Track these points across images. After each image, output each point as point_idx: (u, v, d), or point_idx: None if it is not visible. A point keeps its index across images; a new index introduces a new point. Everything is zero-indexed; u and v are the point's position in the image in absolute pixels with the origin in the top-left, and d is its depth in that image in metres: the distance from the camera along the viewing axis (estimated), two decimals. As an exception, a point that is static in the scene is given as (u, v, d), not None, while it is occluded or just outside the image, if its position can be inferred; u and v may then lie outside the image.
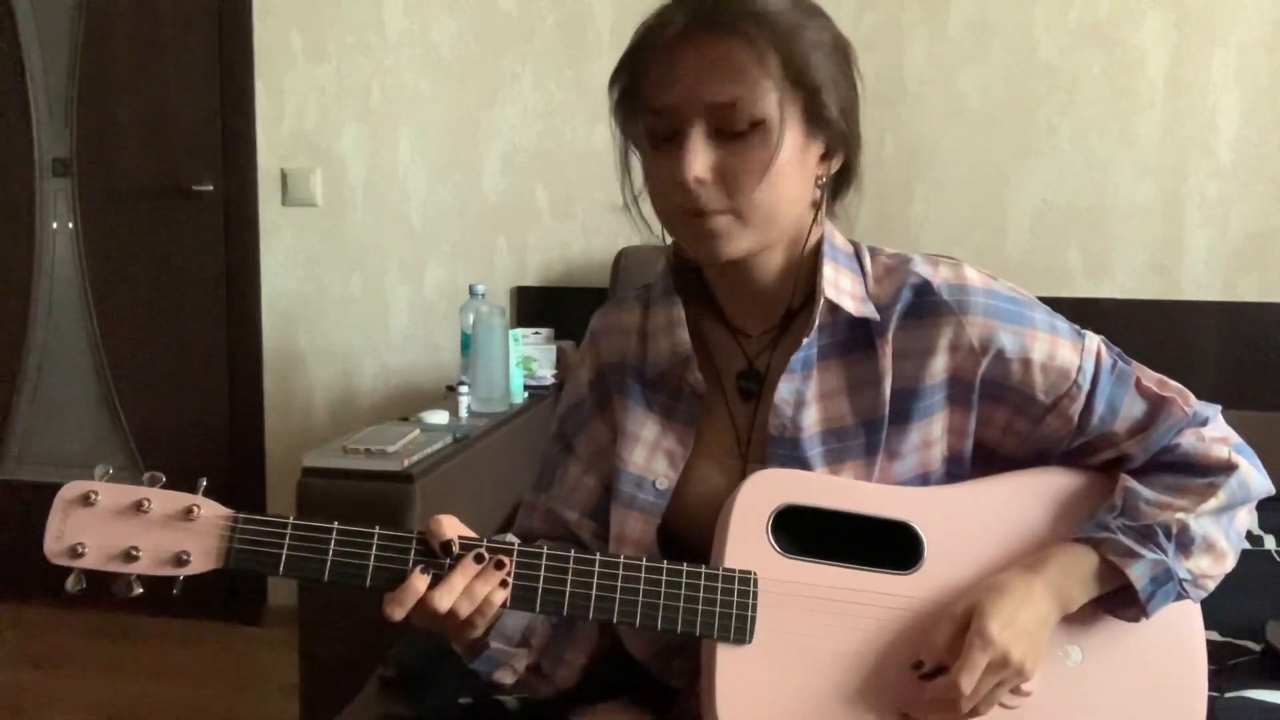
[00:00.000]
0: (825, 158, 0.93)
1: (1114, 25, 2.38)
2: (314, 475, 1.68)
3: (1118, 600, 0.92)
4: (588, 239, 2.64)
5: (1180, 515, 0.90)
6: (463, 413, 2.08)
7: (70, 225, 2.95)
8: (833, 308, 0.95)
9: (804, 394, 0.95)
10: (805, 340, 0.95)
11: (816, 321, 0.95)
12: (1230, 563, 0.94)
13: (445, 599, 0.84)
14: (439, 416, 1.99)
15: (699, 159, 0.86)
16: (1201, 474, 0.94)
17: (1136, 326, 2.36)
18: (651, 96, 0.88)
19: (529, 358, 2.37)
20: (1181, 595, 0.91)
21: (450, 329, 2.62)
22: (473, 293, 2.33)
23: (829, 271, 0.96)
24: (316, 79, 2.74)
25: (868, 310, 0.95)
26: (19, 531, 2.88)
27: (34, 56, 2.90)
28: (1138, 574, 0.88)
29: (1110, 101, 2.39)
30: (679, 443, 0.99)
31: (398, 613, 0.84)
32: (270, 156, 2.78)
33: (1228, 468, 0.94)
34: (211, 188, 2.81)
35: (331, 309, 2.81)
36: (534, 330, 2.46)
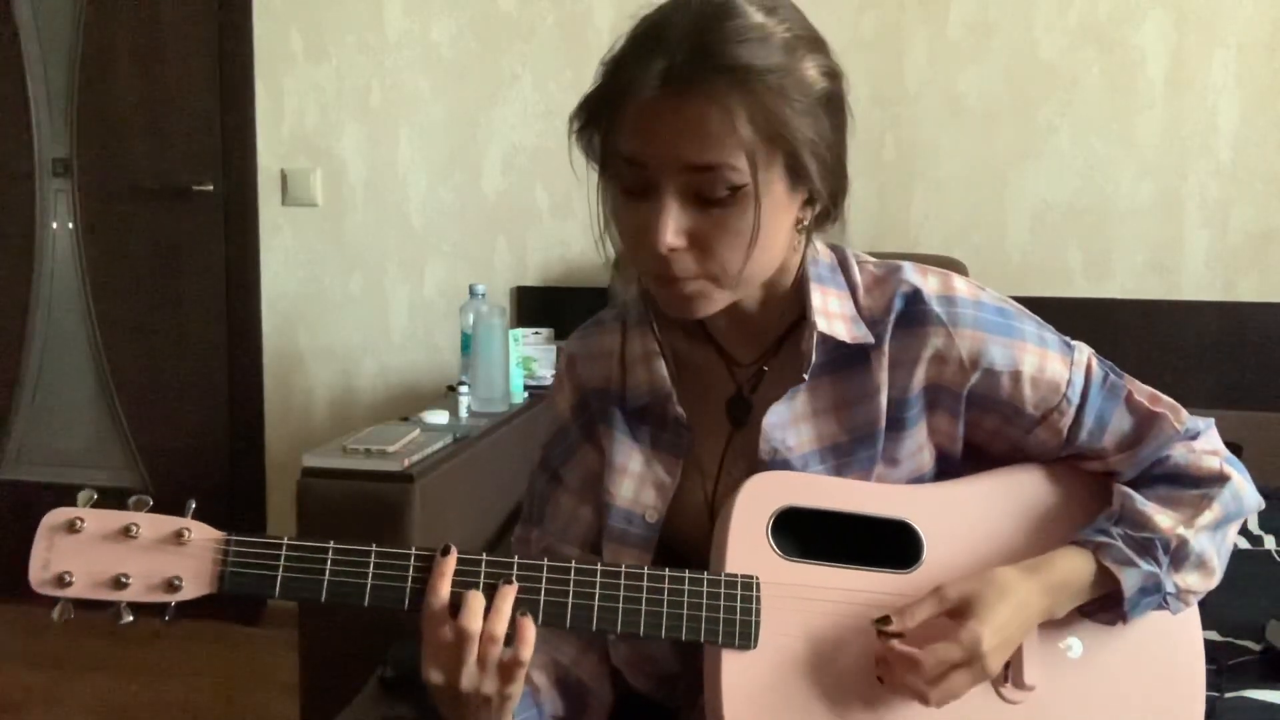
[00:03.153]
0: (808, 203, 0.87)
1: (1114, 25, 2.38)
2: (314, 475, 1.68)
3: (1099, 604, 0.92)
4: (588, 239, 2.62)
5: (1181, 530, 0.90)
6: (463, 413, 2.07)
7: (70, 225, 2.96)
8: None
9: (791, 414, 0.94)
10: (804, 375, 0.92)
11: (814, 359, 0.92)
12: (1216, 580, 0.94)
13: (476, 602, 0.82)
14: (439, 416, 1.99)
15: (672, 226, 0.81)
16: (1194, 485, 0.94)
17: (1136, 326, 2.36)
18: (625, 144, 0.82)
19: (529, 358, 2.37)
20: (1162, 607, 0.91)
21: (450, 329, 2.62)
22: (473, 293, 2.33)
23: (817, 299, 0.92)
24: (316, 79, 2.74)
25: (860, 333, 0.93)
26: (19, 531, 2.87)
27: (34, 56, 2.90)
28: (1130, 583, 0.89)
29: (1110, 101, 2.39)
30: (667, 473, 0.97)
31: (443, 632, 0.81)
32: (270, 156, 2.78)
33: (1219, 479, 0.94)
34: (211, 188, 2.81)
35: (331, 309, 2.81)
36: (534, 330, 2.46)
